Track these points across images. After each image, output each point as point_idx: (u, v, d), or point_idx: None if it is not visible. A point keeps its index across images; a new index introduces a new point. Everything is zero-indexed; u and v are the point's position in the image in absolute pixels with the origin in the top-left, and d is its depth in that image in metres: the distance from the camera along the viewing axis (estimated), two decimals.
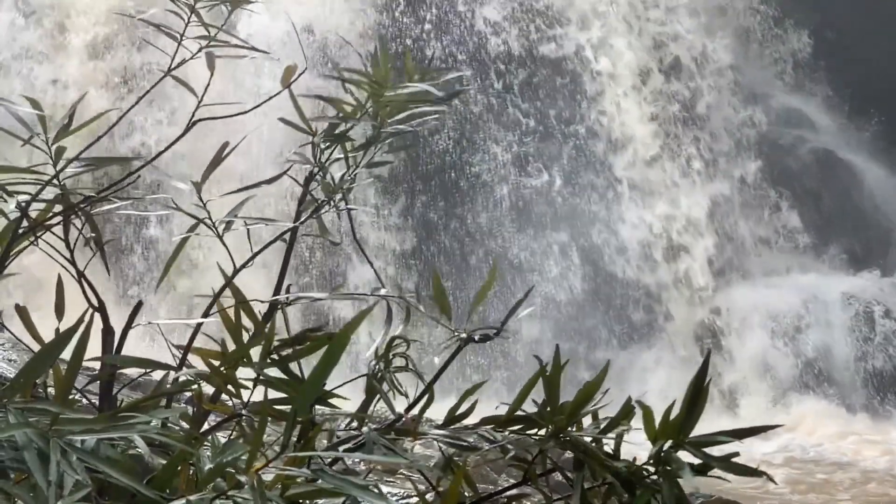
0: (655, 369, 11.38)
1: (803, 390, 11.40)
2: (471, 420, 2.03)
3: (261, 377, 1.86)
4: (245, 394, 1.89)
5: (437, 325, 2.26)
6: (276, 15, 11.93)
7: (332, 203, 2.56)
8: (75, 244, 2.44)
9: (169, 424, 1.93)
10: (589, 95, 13.18)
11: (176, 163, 10.34)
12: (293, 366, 1.89)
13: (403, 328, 2.26)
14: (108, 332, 2.31)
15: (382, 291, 2.42)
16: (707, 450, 1.79)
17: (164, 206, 2.64)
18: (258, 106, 2.97)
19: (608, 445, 1.88)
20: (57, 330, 2.05)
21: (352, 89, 2.57)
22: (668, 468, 1.75)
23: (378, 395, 2.07)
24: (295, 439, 1.94)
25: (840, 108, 13.00)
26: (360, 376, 2.16)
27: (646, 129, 12.93)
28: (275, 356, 1.88)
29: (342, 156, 2.57)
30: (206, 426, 2.11)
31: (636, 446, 1.87)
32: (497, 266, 11.60)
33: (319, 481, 1.42)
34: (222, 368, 1.85)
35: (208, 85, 2.74)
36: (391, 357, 2.14)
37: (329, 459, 1.99)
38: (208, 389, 1.98)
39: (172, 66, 2.75)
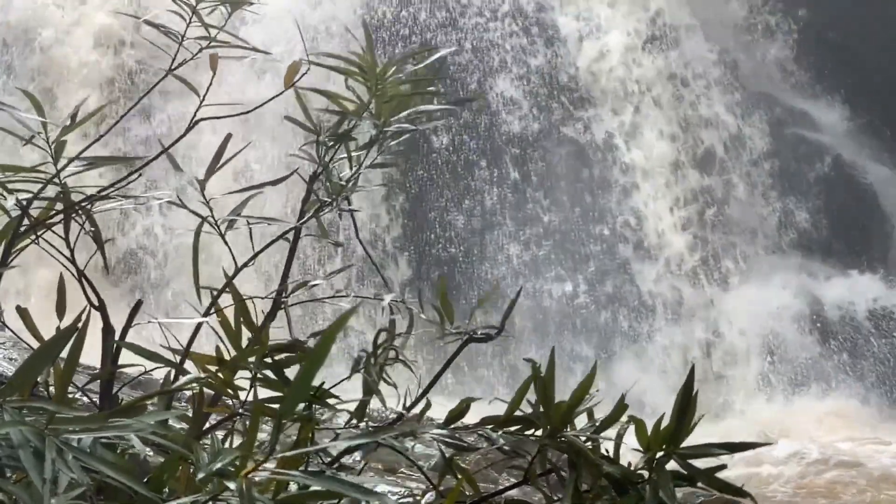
0: None
1: (805, 391, 11.40)
2: (470, 419, 2.03)
3: (258, 378, 1.86)
4: (244, 393, 1.89)
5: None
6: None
7: (335, 203, 2.56)
8: (75, 243, 2.44)
9: (170, 423, 1.93)
10: (617, 190, 12.18)
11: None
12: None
13: (406, 332, 2.25)
14: (108, 331, 2.31)
15: (387, 296, 2.41)
16: (707, 448, 1.80)
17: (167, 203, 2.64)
18: (261, 106, 2.98)
19: (607, 446, 1.88)
20: (58, 328, 2.05)
21: (353, 87, 2.57)
22: (653, 480, 1.77)
23: (371, 391, 2.07)
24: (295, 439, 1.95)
25: (845, 108, 13.00)
26: (352, 373, 2.16)
27: (681, 239, 11.94)
28: (270, 359, 1.88)
29: (346, 155, 2.56)
30: (208, 424, 2.12)
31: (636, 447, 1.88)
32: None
33: (311, 483, 1.41)
34: (219, 373, 1.85)
35: (210, 84, 2.74)
36: (380, 350, 2.14)
37: (329, 458, 1.99)
38: (209, 389, 1.98)
39: (173, 67, 2.75)
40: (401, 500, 3.81)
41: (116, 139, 11.81)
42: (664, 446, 1.79)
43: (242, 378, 1.90)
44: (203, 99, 2.75)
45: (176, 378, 2.02)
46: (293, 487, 1.48)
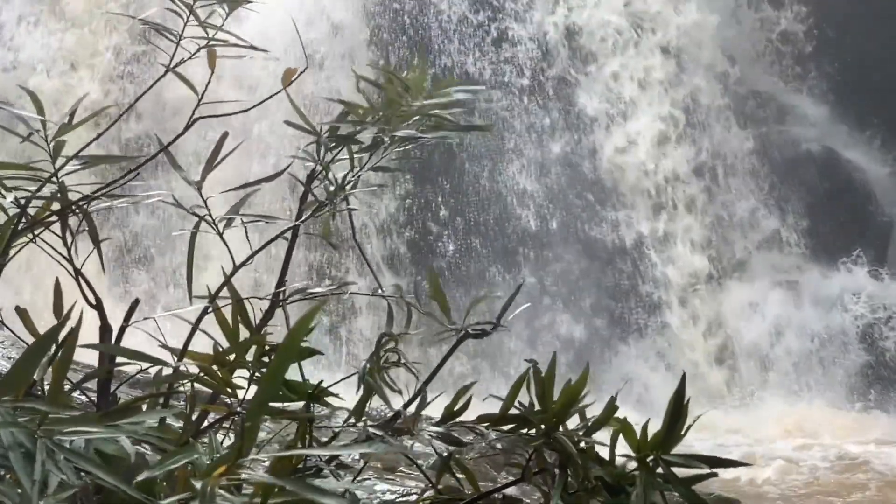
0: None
1: (803, 391, 11.40)
2: (467, 416, 2.03)
3: (255, 377, 1.86)
4: (242, 393, 1.89)
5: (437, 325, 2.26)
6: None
7: (333, 203, 2.56)
8: (73, 241, 2.44)
9: (168, 422, 1.93)
10: (648, 307, 11.49)
11: None
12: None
13: (405, 328, 2.26)
14: (105, 329, 2.31)
15: (383, 292, 2.41)
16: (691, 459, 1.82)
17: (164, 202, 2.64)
18: (259, 104, 2.97)
19: (603, 446, 1.89)
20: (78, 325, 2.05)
21: (364, 91, 2.57)
22: (641, 481, 1.79)
23: (373, 393, 2.07)
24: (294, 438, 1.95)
25: (839, 106, 12.99)
26: (353, 374, 2.16)
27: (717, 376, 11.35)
28: (269, 357, 1.88)
29: (346, 156, 2.56)
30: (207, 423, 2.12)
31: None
32: None
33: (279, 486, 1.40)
34: (217, 372, 1.85)
35: (209, 83, 2.74)
36: (383, 353, 2.14)
37: (327, 457, 1.99)
38: (207, 387, 1.98)
39: (171, 65, 2.75)
40: (399, 500, 3.81)
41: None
42: (654, 451, 1.81)
43: (240, 377, 1.89)
44: (201, 97, 2.75)
45: (173, 377, 2.01)
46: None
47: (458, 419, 2.01)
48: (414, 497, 3.61)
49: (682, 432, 1.80)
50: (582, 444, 1.88)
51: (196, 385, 1.91)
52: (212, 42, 2.72)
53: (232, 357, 1.84)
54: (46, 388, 2.04)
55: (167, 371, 2.02)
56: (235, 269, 2.48)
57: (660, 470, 1.79)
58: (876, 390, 11.41)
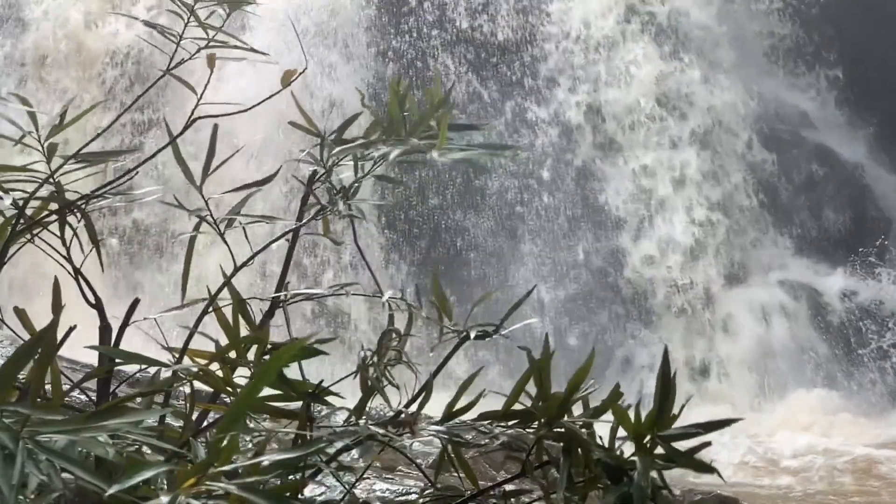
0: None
1: (803, 389, 11.40)
2: (469, 416, 2.03)
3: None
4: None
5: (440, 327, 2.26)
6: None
7: (334, 207, 2.56)
8: (71, 242, 2.44)
9: (168, 422, 1.93)
10: None
11: None
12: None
13: (406, 330, 2.25)
14: (104, 328, 2.31)
15: (386, 293, 2.41)
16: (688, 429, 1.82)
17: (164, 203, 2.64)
18: (258, 105, 2.97)
19: (602, 435, 1.89)
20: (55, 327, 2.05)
21: (369, 106, 2.57)
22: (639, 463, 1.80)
23: (374, 391, 2.07)
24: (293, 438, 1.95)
25: (840, 105, 12.99)
26: (354, 373, 2.16)
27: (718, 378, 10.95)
28: (269, 357, 1.88)
29: (350, 159, 2.56)
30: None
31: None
32: None
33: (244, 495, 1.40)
34: (218, 371, 1.85)
35: (207, 83, 2.75)
36: (384, 351, 2.14)
37: (327, 458, 1.99)
38: (207, 386, 1.97)
39: (171, 67, 2.75)
40: (398, 499, 3.81)
41: None
42: (649, 431, 1.82)
43: (241, 377, 1.89)
44: (200, 97, 2.75)
45: (173, 378, 2.01)
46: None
47: (459, 418, 2.01)
48: (413, 496, 3.62)
49: (676, 412, 1.82)
50: (583, 432, 1.88)
51: (196, 384, 1.91)
52: (211, 44, 2.72)
53: (233, 354, 1.84)
54: (46, 386, 2.04)
55: (166, 371, 2.02)
56: (236, 269, 2.48)
57: (658, 449, 1.81)
58: (876, 390, 11.41)
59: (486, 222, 11.49)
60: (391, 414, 2.11)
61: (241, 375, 1.88)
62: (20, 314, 2.23)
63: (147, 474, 1.39)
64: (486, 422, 1.97)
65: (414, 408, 2.09)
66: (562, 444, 1.89)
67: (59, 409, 1.75)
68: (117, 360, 2.23)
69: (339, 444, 1.89)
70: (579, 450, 1.86)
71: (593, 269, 11.31)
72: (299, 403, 1.94)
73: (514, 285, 10.86)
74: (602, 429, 1.95)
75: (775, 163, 12.23)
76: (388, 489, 3.89)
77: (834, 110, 12.90)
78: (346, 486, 2.47)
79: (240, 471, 1.44)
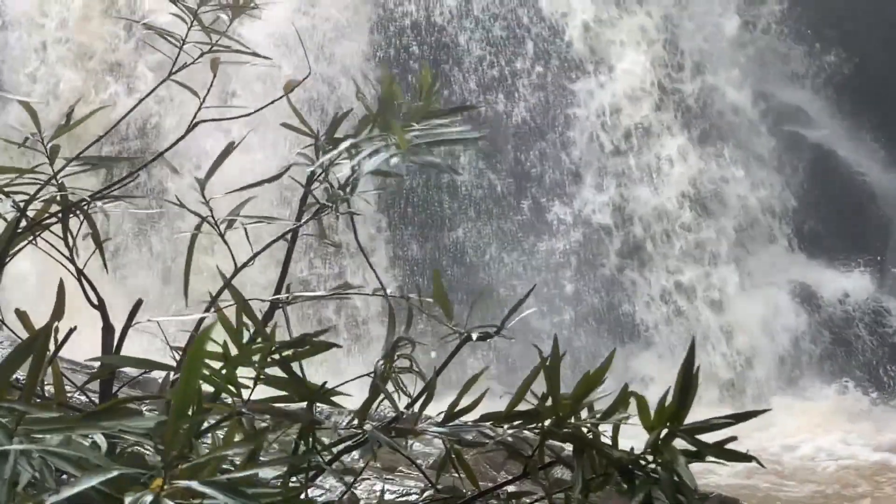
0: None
1: (802, 392, 11.41)
2: (470, 417, 2.03)
3: (261, 377, 1.86)
4: (245, 393, 1.88)
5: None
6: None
7: (333, 206, 2.56)
8: (74, 243, 2.44)
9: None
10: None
11: None
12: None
13: (406, 329, 2.25)
14: (107, 330, 2.32)
15: (387, 291, 2.41)
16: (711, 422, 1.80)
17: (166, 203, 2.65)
18: (260, 109, 2.98)
19: (606, 436, 1.89)
20: (56, 329, 2.05)
21: (364, 96, 2.57)
22: (665, 457, 1.77)
23: (381, 395, 2.07)
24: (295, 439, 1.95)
25: (840, 105, 12.98)
26: (363, 375, 2.16)
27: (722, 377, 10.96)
28: (275, 356, 1.88)
29: (346, 158, 2.56)
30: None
31: (635, 437, 1.88)
32: None
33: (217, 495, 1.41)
34: (223, 370, 1.85)
35: (210, 86, 2.75)
36: (396, 358, 2.14)
37: (329, 457, 2.00)
38: (208, 387, 1.98)
39: (174, 70, 2.76)
40: (398, 500, 3.81)
41: None
42: (668, 424, 1.78)
43: (244, 377, 1.89)
44: (203, 101, 2.76)
45: (176, 378, 2.02)
46: None
47: (461, 418, 2.01)
48: (414, 497, 3.62)
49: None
50: (591, 433, 1.87)
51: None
52: (214, 48, 2.73)
53: (237, 353, 1.84)
54: (48, 388, 2.05)
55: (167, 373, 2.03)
56: (237, 270, 2.49)
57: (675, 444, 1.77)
58: (876, 390, 11.42)
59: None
60: (393, 414, 2.12)
61: (246, 376, 1.88)
62: (21, 316, 2.24)
63: (95, 481, 1.40)
64: (488, 423, 1.97)
65: (416, 409, 2.10)
66: (570, 444, 1.88)
67: (56, 408, 1.75)
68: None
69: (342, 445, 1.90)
70: (593, 450, 1.85)
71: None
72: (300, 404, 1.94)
73: None
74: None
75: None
76: (388, 490, 3.90)
77: (834, 111, 12.90)
78: (347, 487, 2.48)
79: (226, 478, 1.45)
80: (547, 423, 1.90)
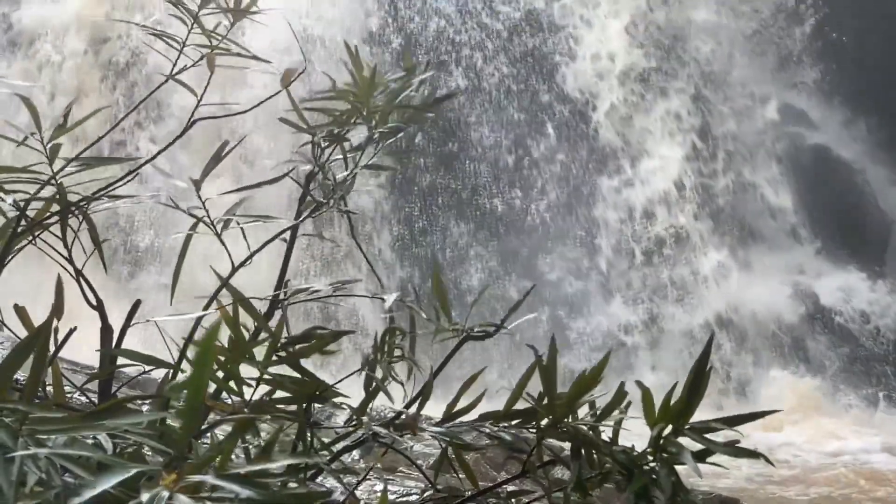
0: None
1: (802, 390, 11.41)
2: (469, 416, 2.03)
3: (265, 375, 1.85)
4: (247, 392, 1.88)
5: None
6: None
7: (331, 204, 2.56)
8: (73, 243, 2.44)
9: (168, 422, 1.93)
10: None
11: None
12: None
13: (410, 329, 2.25)
14: (106, 330, 2.31)
15: (385, 294, 2.41)
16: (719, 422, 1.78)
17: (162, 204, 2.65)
18: (255, 107, 2.98)
19: (606, 434, 1.88)
20: (55, 329, 2.05)
21: (349, 93, 2.58)
22: (666, 454, 1.75)
23: (377, 389, 2.07)
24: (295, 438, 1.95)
25: (839, 106, 12.98)
26: (357, 371, 2.16)
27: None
28: (281, 354, 1.88)
29: (341, 156, 2.57)
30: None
31: (634, 435, 1.87)
32: None
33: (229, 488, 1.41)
34: (227, 365, 1.85)
35: (207, 85, 2.75)
36: (387, 348, 2.14)
37: (329, 457, 1.99)
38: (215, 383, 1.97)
39: (174, 72, 2.76)
40: (399, 500, 3.81)
41: None
42: (675, 422, 1.76)
43: (247, 378, 1.89)
44: (200, 99, 2.76)
45: (175, 377, 2.02)
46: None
47: (460, 418, 2.01)
48: (414, 497, 3.62)
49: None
50: (591, 432, 1.86)
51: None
52: (214, 51, 2.73)
53: (240, 348, 1.84)
54: (49, 388, 2.05)
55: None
56: (234, 269, 2.48)
57: (682, 439, 1.75)
58: (875, 390, 11.42)
59: None
60: (392, 414, 2.12)
61: (247, 377, 1.88)
62: (20, 312, 2.23)
63: (114, 480, 1.39)
64: (487, 422, 1.97)
65: (415, 408, 2.09)
66: (568, 443, 1.87)
67: (58, 409, 1.75)
68: (119, 362, 2.24)
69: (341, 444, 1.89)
70: (591, 448, 1.84)
71: None
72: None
73: None
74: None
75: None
76: (388, 490, 3.89)
77: (835, 111, 12.90)
78: (347, 487, 2.48)
79: (242, 472, 1.45)
80: (544, 422, 1.89)
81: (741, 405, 11.15)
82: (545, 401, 1.87)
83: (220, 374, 1.83)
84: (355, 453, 2.16)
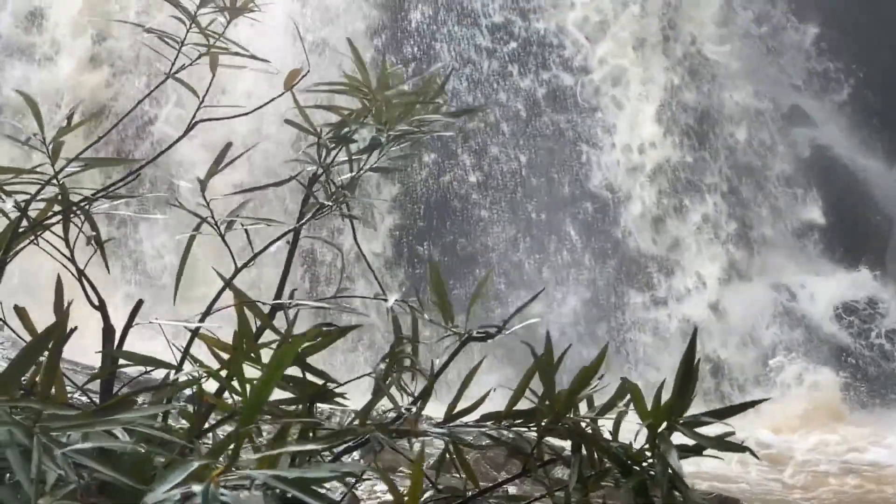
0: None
1: (801, 391, 11.40)
2: (471, 417, 2.03)
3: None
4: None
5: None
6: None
7: (335, 206, 2.56)
8: (75, 243, 2.44)
9: (170, 422, 1.93)
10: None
11: None
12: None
13: (412, 335, 2.25)
14: (108, 331, 2.32)
15: (390, 297, 2.41)
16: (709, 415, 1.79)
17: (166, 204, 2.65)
18: (259, 108, 2.98)
19: (606, 430, 1.88)
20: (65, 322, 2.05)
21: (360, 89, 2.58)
22: (658, 451, 1.76)
23: (383, 396, 2.07)
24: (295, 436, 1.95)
25: (839, 106, 12.97)
26: (364, 375, 2.16)
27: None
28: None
29: (347, 158, 2.57)
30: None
31: (632, 433, 1.88)
32: None
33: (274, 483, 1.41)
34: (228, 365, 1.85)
35: (209, 86, 2.76)
36: (397, 358, 2.14)
37: (330, 458, 2.00)
38: (210, 388, 1.98)
39: (173, 71, 2.77)
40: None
41: None
42: (668, 418, 1.77)
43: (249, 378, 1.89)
44: (202, 100, 2.76)
45: (177, 377, 2.02)
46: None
47: (462, 419, 2.01)
48: None
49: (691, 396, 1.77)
50: (590, 428, 1.86)
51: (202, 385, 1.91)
52: (213, 50, 2.73)
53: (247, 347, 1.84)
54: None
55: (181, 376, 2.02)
56: (237, 270, 2.49)
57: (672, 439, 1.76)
58: (875, 391, 11.41)
59: None
60: (393, 415, 2.12)
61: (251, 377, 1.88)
62: (20, 312, 2.23)
63: (182, 475, 1.40)
64: (488, 422, 1.97)
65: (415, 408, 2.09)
66: (568, 440, 1.87)
67: (70, 406, 1.76)
68: (120, 362, 2.24)
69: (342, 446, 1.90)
70: (591, 446, 1.84)
71: None
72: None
73: None
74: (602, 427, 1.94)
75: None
76: (388, 490, 3.88)
77: (835, 111, 12.89)
78: (349, 489, 2.48)
79: (251, 468, 1.45)
80: (545, 421, 1.89)
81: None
82: (546, 400, 1.87)
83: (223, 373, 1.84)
84: (356, 453, 2.16)
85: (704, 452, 1.80)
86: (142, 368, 2.23)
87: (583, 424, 1.87)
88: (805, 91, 12.74)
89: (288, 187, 2.83)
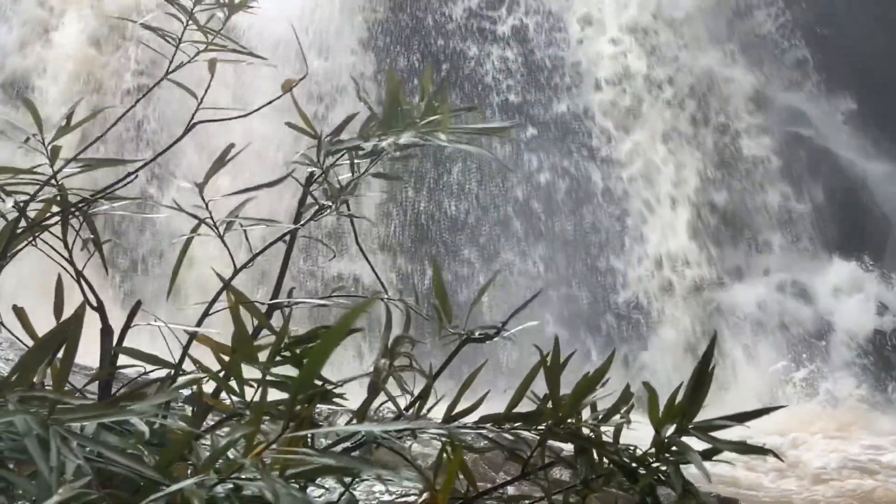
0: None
1: (802, 388, 11.40)
2: (470, 418, 2.03)
3: (267, 376, 1.85)
4: (248, 393, 1.88)
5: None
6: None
7: (333, 207, 2.56)
8: (73, 244, 2.44)
9: (168, 419, 1.93)
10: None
11: None
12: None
13: (403, 332, 2.25)
14: (106, 331, 2.31)
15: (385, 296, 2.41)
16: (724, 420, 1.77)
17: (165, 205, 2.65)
18: (259, 109, 2.98)
19: (607, 436, 1.88)
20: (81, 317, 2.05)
21: (365, 97, 2.57)
22: (670, 455, 1.75)
23: (381, 394, 2.07)
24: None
25: (839, 105, 12.98)
26: (363, 375, 2.16)
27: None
28: (285, 354, 1.88)
29: (347, 159, 2.56)
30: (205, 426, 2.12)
31: (634, 437, 1.88)
32: None
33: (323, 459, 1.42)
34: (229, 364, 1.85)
35: (208, 87, 2.75)
36: (395, 356, 2.14)
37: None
38: (209, 389, 1.98)
39: (170, 70, 2.76)
40: (398, 500, 3.81)
41: None
42: (679, 421, 1.75)
43: (249, 379, 1.89)
44: (201, 101, 2.76)
45: (176, 377, 2.02)
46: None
47: (462, 420, 2.00)
48: (413, 498, 3.62)
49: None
50: (593, 433, 1.86)
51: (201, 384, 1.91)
52: (210, 47, 2.73)
53: (244, 348, 1.84)
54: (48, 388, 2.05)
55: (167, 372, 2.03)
56: (236, 271, 2.49)
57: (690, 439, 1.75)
58: (875, 388, 11.42)
59: None
60: (392, 415, 2.12)
61: (250, 377, 1.88)
62: (19, 313, 2.23)
63: (233, 444, 1.40)
64: (487, 424, 1.96)
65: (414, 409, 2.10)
66: (571, 444, 1.87)
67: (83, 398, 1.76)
68: (119, 363, 2.24)
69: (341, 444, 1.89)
70: (594, 450, 1.84)
71: None
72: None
73: None
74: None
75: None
76: (387, 490, 3.90)
77: (835, 111, 12.90)
78: (346, 487, 2.48)
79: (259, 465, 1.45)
80: (548, 422, 1.89)
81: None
82: (549, 403, 1.87)
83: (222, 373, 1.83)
84: (355, 453, 2.16)
85: (715, 457, 1.79)
86: (140, 369, 2.23)
87: (587, 429, 1.86)
88: None
89: (289, 191, 2.82)
